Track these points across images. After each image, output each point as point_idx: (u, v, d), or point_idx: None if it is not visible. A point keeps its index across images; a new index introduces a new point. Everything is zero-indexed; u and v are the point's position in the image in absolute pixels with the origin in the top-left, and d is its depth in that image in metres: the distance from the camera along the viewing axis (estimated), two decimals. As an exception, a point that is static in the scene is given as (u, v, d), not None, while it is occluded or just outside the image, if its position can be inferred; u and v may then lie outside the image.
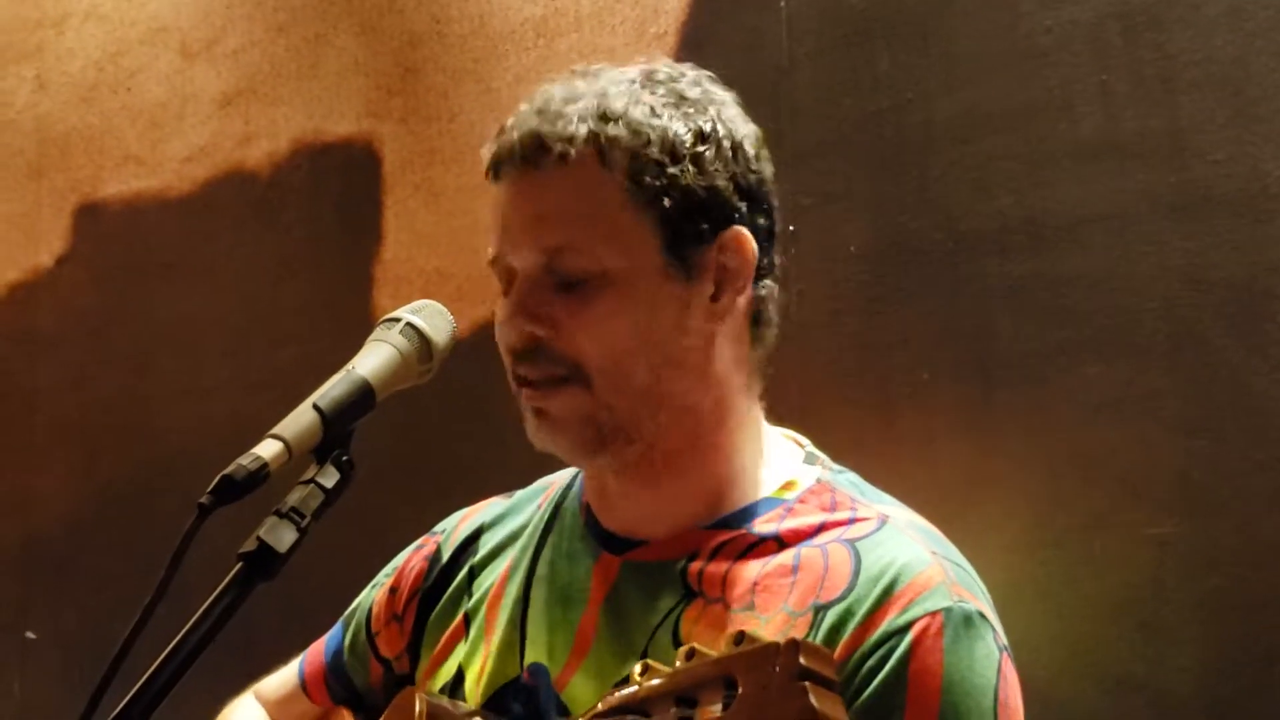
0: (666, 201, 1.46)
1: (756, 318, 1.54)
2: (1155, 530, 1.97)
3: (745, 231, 1.50)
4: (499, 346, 1.53)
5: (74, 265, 3.23)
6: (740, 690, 0.98)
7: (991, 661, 1.38)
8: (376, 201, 2.82)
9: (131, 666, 1.25)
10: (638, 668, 1.06)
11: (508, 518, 1.70)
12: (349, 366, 1.41)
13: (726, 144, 1.51)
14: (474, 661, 1.59)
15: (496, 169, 1.56)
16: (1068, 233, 2.06)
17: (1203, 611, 1.94)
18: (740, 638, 1.00)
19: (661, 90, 1.51)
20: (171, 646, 1.25)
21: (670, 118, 1.49)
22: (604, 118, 1.48)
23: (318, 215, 2.91)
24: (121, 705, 1.23)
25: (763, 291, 1.53)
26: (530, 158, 1.50)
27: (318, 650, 1.80)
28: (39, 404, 3.26)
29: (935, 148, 2.19)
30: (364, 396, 1.38)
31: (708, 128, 1.50)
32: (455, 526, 1.73)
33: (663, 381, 1.48)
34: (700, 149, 1.49)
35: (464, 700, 1.57)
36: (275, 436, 1.32)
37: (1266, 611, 1.91)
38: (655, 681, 1.04)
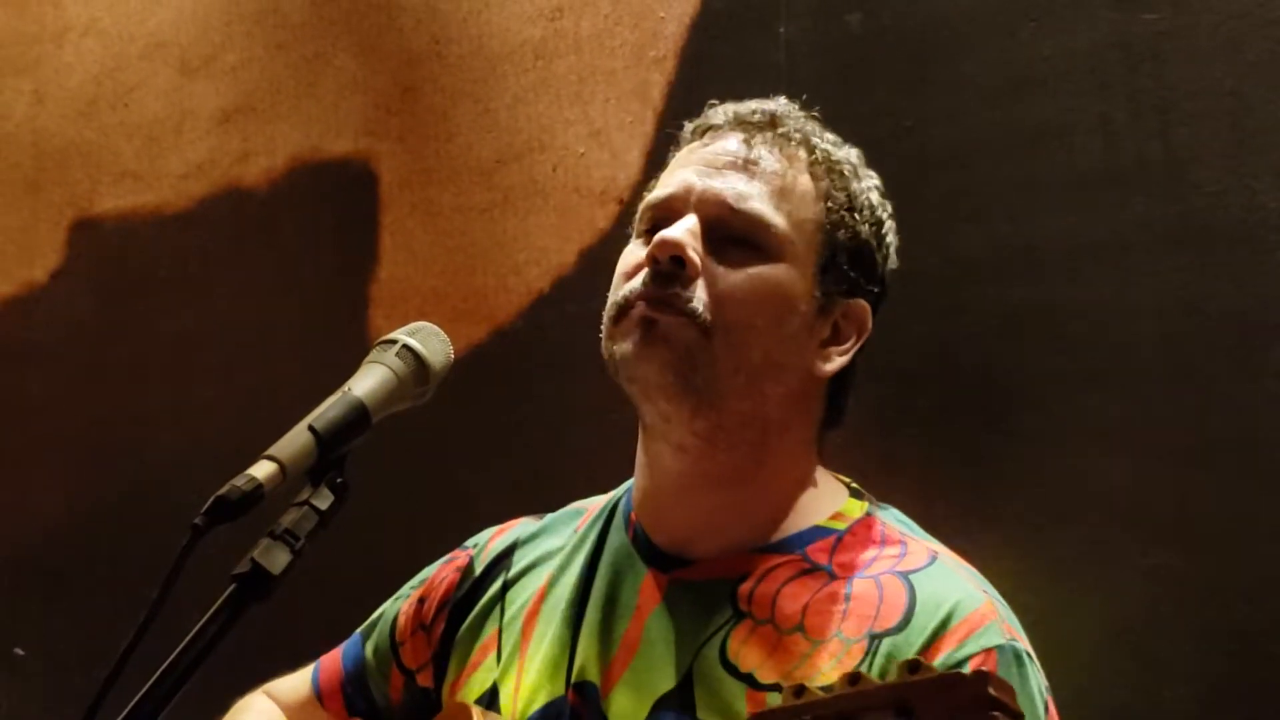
0: (842, 234, 1.55)
1: (833, 392, 1.60)
2: (1151, 561, 1.97)
3: (869, 310, 1.58)
4: (617, 276, 1.54)
5: (69, 280, 3.22)
6: (918, 718, 0.97)
7: (1040, 702, 1.43)
8: (373, 220, 2.81)
9: (123, 686, 1.24)
10: (790, 688, 1.04)
11: (541, 537, 1.71)
12: (345, 388, 1.40)
13: (889, 238, 1.62)
14: (509, 678, 1.59)
15: (705, 129, 1.61)
16: (1066, 262, 2.07)
17: (1198, 643, 1.94)
18: (916, 665, 0.98)
19: (861, 162, 1.64)
20: (164, 667, 1.24)
21: (868, 184, 1.62)
22: (823, 140, 1.60)
23: (314, 233, 2.91)
24: (114, 726, 1.22)
25: (845, 371, 1.59)
26: (754, 124, 1.58)
27: (334, 659, 1.80)
28: (31, 419, 3.25)
29: (933, 175, 2.19)
30: (359, 418, 1.38)
31: (885, 214, 1.62)
32: (488, 541, 1.74)
33: (766, 374, 1.51)
34: (881, 218, 1.60)
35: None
36: (270, 457, 1.31)
37: (1262, 643, 1.91)
38: (811, 701, 1.02)
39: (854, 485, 1.63)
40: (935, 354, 2.16)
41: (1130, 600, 1.98)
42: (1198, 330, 1.97)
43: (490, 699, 1.60)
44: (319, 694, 1.78)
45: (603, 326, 1.55)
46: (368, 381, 1.41)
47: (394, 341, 1.46)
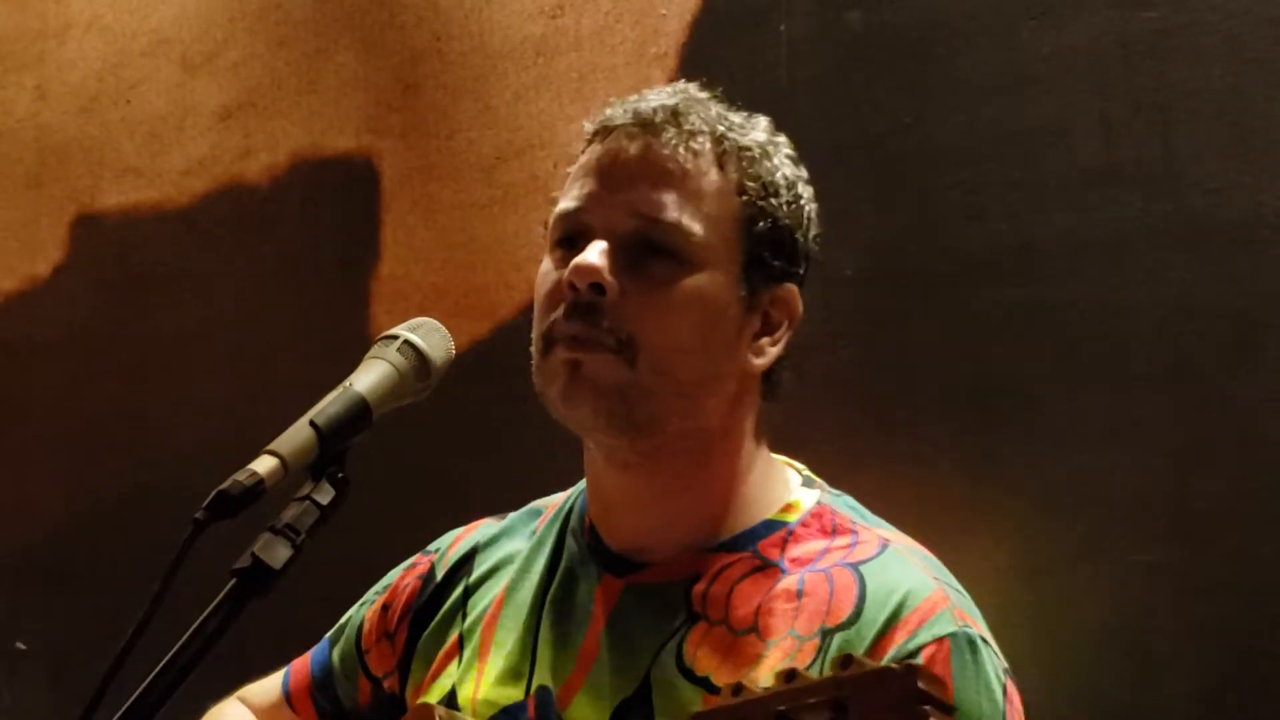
0: (760, 225, 1.51)
1: (768, 375, 1.56)
2: (1147, 557, 1.97)
3: (797, 292, 1.55)
4: (538, 300, 1.52)
5: (70, 275, 3.23)
6: (851, 713, 0.97)
7: (998, 685, 1.40)
8: (374, 217, 2.82)
9: (123, 680, 1.25)
10: (728, 687, 1.04)
11: (502, 539, 1.70)
12: (346, 383, 1.40)
13: (807, 208, 1.57)
14: (467, 681, 1.59)
15: (606, 131, 1.54)
16: (1064, 259, 2.07)
17: (1194, 640, 1.94)
18: (848, 661, 0.98)
19: (769, 132, 1.58)
20: (165, 662, 1.25)
21: (780, 159, 1.55)
22: (729, 127, 1.53)
23: (316, 230, 2.92)
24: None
25: (783, 353, 1.56)
26: (655, 126, 1.51)
27: (303, 665, 1.80)
28: (32, 414, 3.25)
29: (932, 172, 2.19)
30: (361, 414, 1.37)
31: (800, 186, 1.57)
32: (449, 546, 1.73)
33: (700, 389, 1.49)
34: (799, 193, 1.55)
35: None
36: (271, 453, 1.31)
37: (1258, 640, 1.91)
38: (749, 700, 1.02)
39: (806, 472, 1.61)
40: (933, 351, 2.16)
41: (1128, 598, 1.98)
42: (1196, 328, 1.98)
43: (449, 704, 1.58)
44: (289, 699, 1.78)
45: (532, 356, 1.53)
46: (369, 377, 1.41)
47: (395, 337, 1.46)
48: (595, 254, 1.46)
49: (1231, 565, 1.94)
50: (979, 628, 1.42)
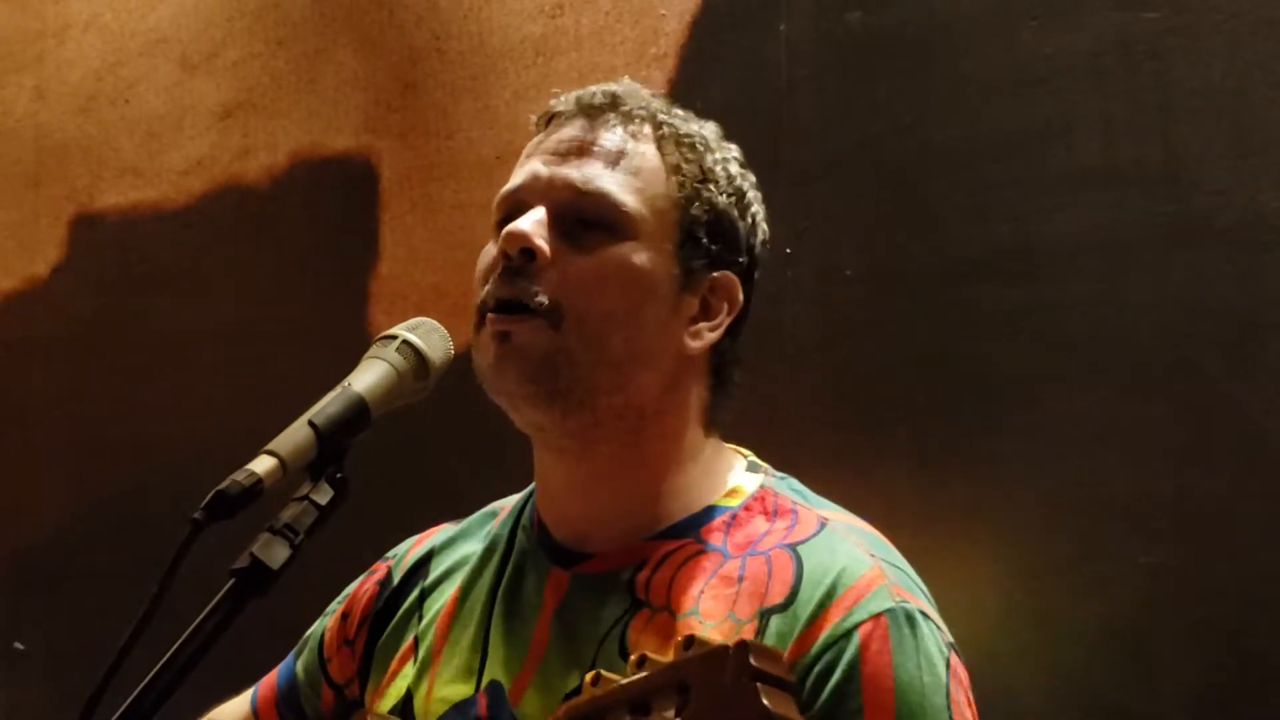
0: (696, 208, 1.52)
1: (716, 367, 1.56)
2: (1148, 559, 1.97)
3: (738, 281, 1.55)
4: (475, 278, 1.53)
5: (69, 275, 3.23)
6: (693, 695, 0.98)
7: (940, 659, 1.39)
8: (374, 217, 2.82)
9: (122, 680, 1.24)
10: (589, 677, 1.05)
11: (458, 542, 1.70)
12: (345, 383, 1.40)
13: (753, 208, 1.58)
14: (422, 683, 1.59)
15: (549, 118, 1.58)
16: (1064, 260, 2.07)
17: (1195, 641, 1.94)
18: (690, 642, 0.99)
19: (716, 135, 1.59)
20: (163, 662, 1.25)
21: (725, 155, 1.57)
22: (670, 116, 1.56)
23: (315, 229, 2.92)
24: (112, 720, 1.22)
25: (724, 346, 1.55)
26: (596, 107, 1.54)
27: (270, 680, 1.81)
28: (31, 414, 3.25)
29: (933, 173, 2.19)
30: (359, 414, 1.38)
31: (746, 184, 1.58)
32: (406, 551, 1.74)
33: (630, 363, 1.49)
34: (741, 188, 1.56)
35: None
36: (270, 452, 1.31)
37: (1258, 641, 1.91)
38: (607, 690, 1.03)
39: (752, 458, 1.60)
40: (933, 352, 2.16)
41: (1128, 599, 1.98)
42: (1196, 329, 1.98)
43: (405, 705, 1.59)
44: (256, 713, 1.79)
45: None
46: (368, 377, 1.41)
47: (394, 337, 1.46)
48: (528, 221, 1.48)
49: (1232, 567, 1.94)
50: (919, 602, 1.42)
